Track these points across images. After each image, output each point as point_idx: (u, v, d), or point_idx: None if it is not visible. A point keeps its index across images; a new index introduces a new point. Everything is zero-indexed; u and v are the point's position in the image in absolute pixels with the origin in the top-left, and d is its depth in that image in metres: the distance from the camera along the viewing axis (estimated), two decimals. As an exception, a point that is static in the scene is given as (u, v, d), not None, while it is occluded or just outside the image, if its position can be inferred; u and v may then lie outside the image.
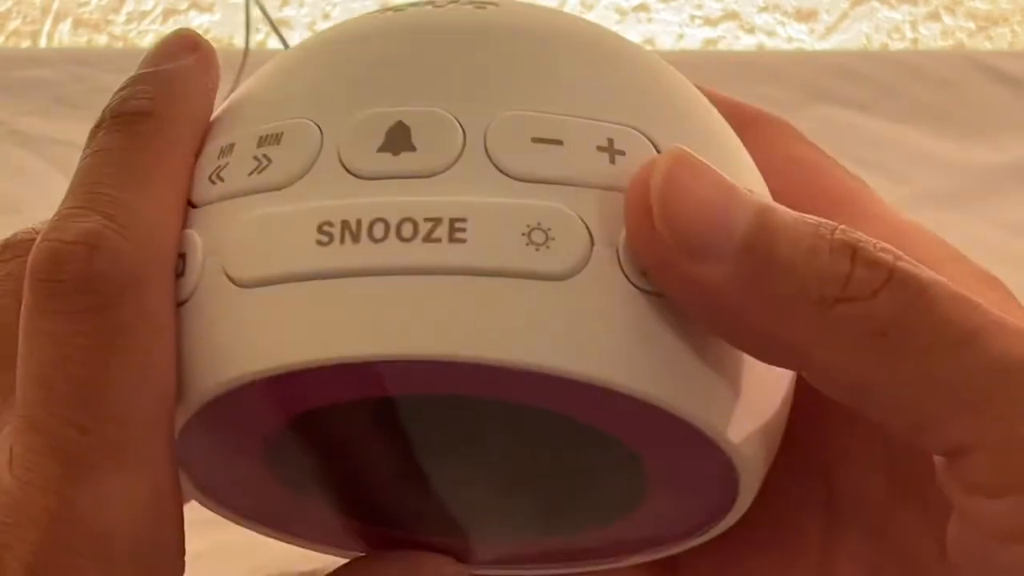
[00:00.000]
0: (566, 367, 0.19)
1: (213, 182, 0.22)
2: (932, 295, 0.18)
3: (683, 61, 0.26)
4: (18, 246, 0.23)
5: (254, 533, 0.31)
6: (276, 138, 0.22)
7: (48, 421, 0.20)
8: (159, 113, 0.21)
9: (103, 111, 0.22)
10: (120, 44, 0.73)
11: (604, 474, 0.23)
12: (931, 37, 0.76)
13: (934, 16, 0.77)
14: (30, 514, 0.19)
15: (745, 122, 0.25)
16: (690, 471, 0.22)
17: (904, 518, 0.23)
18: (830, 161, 0.25)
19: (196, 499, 0.24)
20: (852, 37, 0.76)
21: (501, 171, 0.20)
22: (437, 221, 0.20)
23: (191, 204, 0.22)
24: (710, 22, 0.77)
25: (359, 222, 0.20)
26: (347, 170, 0.21)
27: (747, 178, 0.22)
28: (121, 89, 0.22)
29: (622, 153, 0.20)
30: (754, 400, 0.21)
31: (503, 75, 0.21)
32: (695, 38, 0.76)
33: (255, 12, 0.74)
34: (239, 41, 0.73)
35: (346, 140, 0.21)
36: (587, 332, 0.19)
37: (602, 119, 0.21)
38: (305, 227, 0.20)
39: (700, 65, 0.70)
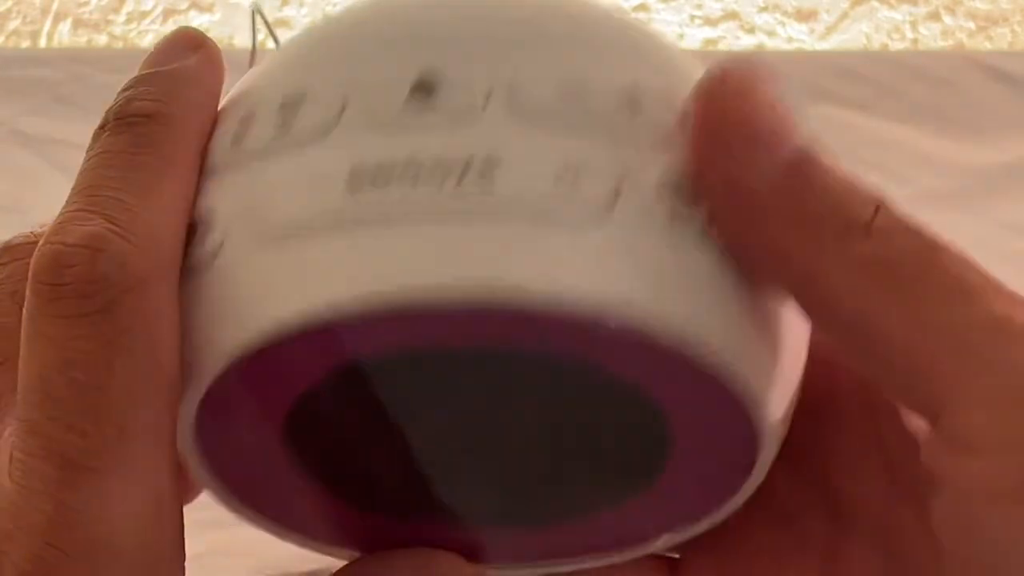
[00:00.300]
0: (602, 308, 0.19)
1: (234, 148, 0.22)
2: (944, 250, 0.19)
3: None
4: (17, 249, 0.23)
5: (254, 534, 0.31)
6: (299, 99, 0.21)
7: (48, 426, 0.19)
8: (163, 114, 0.21)
9: (106, 112, 0.22)
10: (120, 44, 0.73)
11: (628, 438, 0.23)
12: (931, 37, 0.76)
13: (934, 16, 0.77)
14: (27, 520, 0.19)
15: None
16: (714, 429, 0.22)
17: (902, 519, 0.23)
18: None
19: (210, 490, 0.23)
20: (852, 37, 0.76)
21: (528, 120, 0.20)
22: (468, 165, 0.20)
23: (210, 173, 0.22)
24: (710, 22, 0.77)
25: (390, 168, 0.20)
26: (374, 123, 0.21)
27: None
28: (124, 90, 0.22)
29: (643, 107, 0.21)
30: (780, 362, 0.21)
31: (526, 33, 0.22)
32: (695, 38, 0.76)
33: (257, 16, 0.74)
34: (239, 41, 0.73)
35: (371, 95, 0.21)
36: (621, 273, 0.19)
37: (624, 75, 0.21)
38: (335, 175, 0.20)
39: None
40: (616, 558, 0.25)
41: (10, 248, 0.23)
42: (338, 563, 0.29)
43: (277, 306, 0.20)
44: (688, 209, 0.20)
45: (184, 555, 0.21)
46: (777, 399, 0.21)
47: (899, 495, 0.23)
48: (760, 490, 0.25)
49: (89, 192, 0.21)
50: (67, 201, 0.21)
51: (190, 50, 0.22)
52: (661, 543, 0.25)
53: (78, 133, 0.65)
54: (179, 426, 0.21)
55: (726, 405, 0.21)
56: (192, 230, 0.21)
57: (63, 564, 0.19)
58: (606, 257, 0.20)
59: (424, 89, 0.21)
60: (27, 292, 0.20)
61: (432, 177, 0.20)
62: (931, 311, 0.19)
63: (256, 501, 0.24)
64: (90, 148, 0.22)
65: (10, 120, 0.58)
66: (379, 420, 0.22)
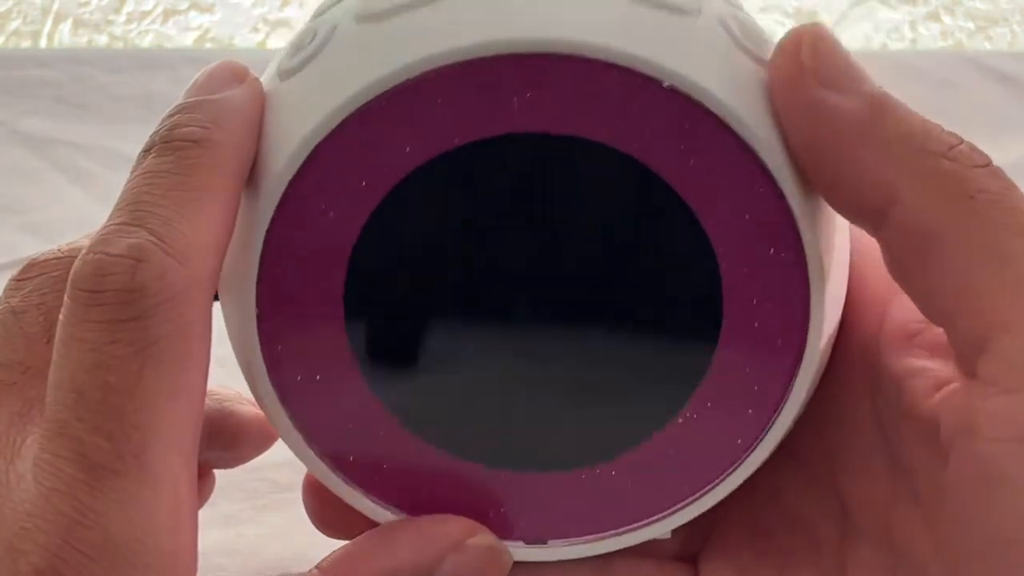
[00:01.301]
0: (686, 77, 0.20)
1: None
2: (1017, 190, 0.20)
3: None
4: (43, 264, 0.24)
5: (255, 534, 0.31)
6: None
7: (76, 426, 0.20)
8: (207, 140, 0.22)
9: (152, 136, 0.23)
10: (120, 44, 0.73)
11: (680, 304, 0.23)
12: (931, 37, 0.76)
13: (934, 16, 0.77)
14: (47, 519, 0.19)
15: None
16: (766, 300, 0.22)
17: (906, 519, 0.23)
18: None
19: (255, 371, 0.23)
20: (852, 37, 0.76)
21: None
22: None
23: (315, 15, 0.23)
24: (710, 22, 0.77)
25: None
26: None
27: None
28: (170, 116, 0.23)
29: None
30: (839, 262, 0.23)
31: None
32: (695, 38, 0.76)
33: (254, 11, 0.74)
34: (240, 41, 0.73)
35: None
36: (708, 57, 0.21)
37: None
38: None
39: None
40: (643, 533, 0.25)
41: (36, 264, 0.24)
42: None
43: (395, 55, 0.20)
44: (760, 39, 0.23)
45: (197, 559, 0.21)
46: (831, 300, 0.22)
47: (903, 495, 0.23)
48: (769, 492, 0.25)
49: (132, 208, 0.21)
50: (110, 216, 0.21)
51: (233, 81, 0.23)
52: (689, 509, 0.25)
53: (78, 133, 0.65)
54: (238, 284, 0.22)
55: (783, 249, 0.22)
56: (295, 43, 0.22)
57: (80, 564, 0.19)
58: (695, 41, 0.21)
59: None
60: (65, 299, 0.21)
61: None
62: (999, 239, 0.20)
63: (300, 395, 0.23)
64: (134, 168, 0.22)
65: (10, 120, 0.59)
66: (449, 247, 0.22)
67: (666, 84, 0.21)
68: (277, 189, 0.21)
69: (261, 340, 0.23)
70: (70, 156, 0.56)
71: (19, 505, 0.20)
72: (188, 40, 0.73)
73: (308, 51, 0.22)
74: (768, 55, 0.22)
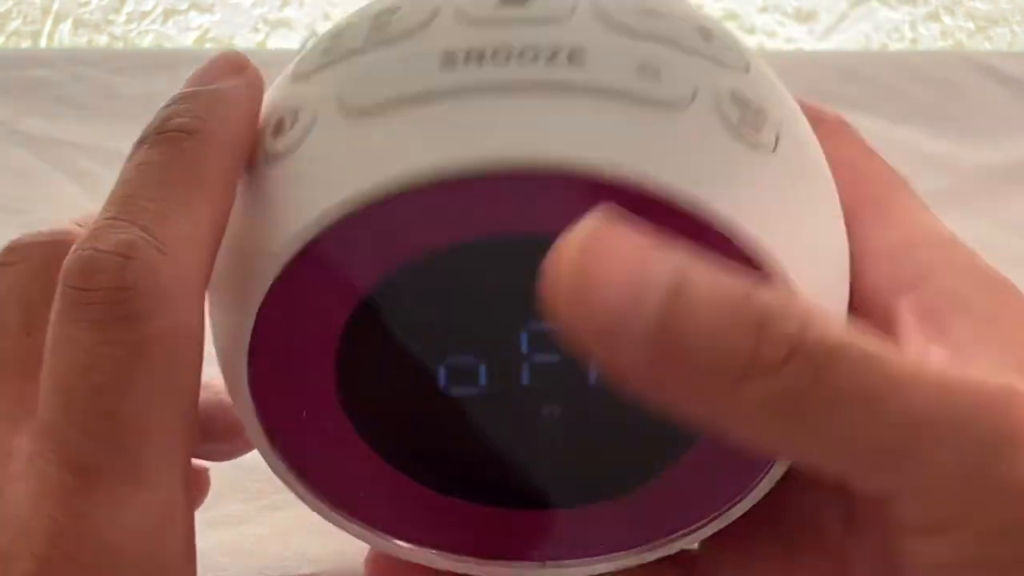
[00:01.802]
0: (671, 184, 0.20)
1: (323, 55, 0.22)
2: (839, 360, 0.17)
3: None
4: (24, 248, 0.24)
5: (256, 534, 0.31)
6: (392, 11, 0.22)
7: (65, 429, 0.19)
8: (203, 131, 0.21)
9: (147, 127, 0.22)
10: (120, 44, 0.73)
11: None
12: (931, 37, 0.76)
13: (934, 16, 0.77)
14: (38, 524, 0.19)
15: (811, 118, 0.26)
16: None
17: None
18: (871, 163, 0.26)
19: (257, 440, 0.23)
20: (852, 38, 0.76)
21: (612, 26, 0.22)
22: (557, 50, 0.21)
23: (298, 78, 0.23)
24: (710, 22, 0.77)
25: (483, 51, 0.21)
26: (466, 21, 0.22)
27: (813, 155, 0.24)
28: (166, 106, 0.22)
29: (716, 38, 0.23)
30: (833, 281, 0.22)
31: None
32: (695, 38, 0.76)
33: (254, 11, 0.74)
34: (240, 41, 0.73)
35: (464, 2, 0.22)
36: (698, 160, 0.20)
37: (696, 15, 0.23)
38: (429, 56, 0.21)
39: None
40: (648, 555, 0.25)
41: (16, 248, 0.23)
42: (339, 565, 0.29)
43: (374, 169, 0.20)
44: (756, 120, 0.22)
45: (195, 562, 0.21)
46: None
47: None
48: (776, 489, 0.25)
49: (125, 202, 0.21)
50: (102, 210, 0.21)
51: (232, 73, 0.23)
52: (698, 533, 0.25)
53: (78, 133, 0.65)
54: (231, 352, 0.21)
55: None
56: (277, 123, 0.22)
57: (70, 570, 0.19)
58: (682, 141, 0.20)
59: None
60: (56, 295, 0.20)
61: (523, 58, 0.21)
62: (845, 428, 0.18)
63: (298, 453, 0.24)
64: (128, 160, 0.22)
65: (10, 120, 0.58)
66: (433, 335, 0.22)
67: (630, 187, 0.20)
68: (268, 277, 0.21)
69: (255, 402, 0.22)
70: (70, 156, 0.56)
71: (12, 508, 0.19)
72: (188, 40, 0.73)
73: (291, 138, 0.21)
74: (769, 133, 0.21)
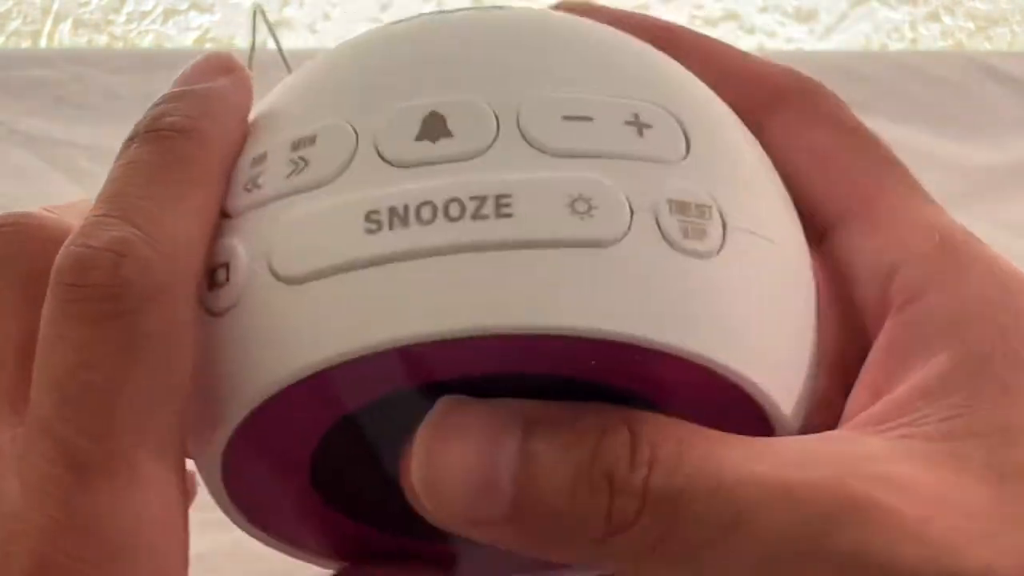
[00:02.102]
0: (621, 329, 0.19)
1: (249, 190, 0.22)
2: (689, 498, 0.18)
3: (684, 62, 0.26)
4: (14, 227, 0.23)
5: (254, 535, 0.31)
6: (310, 140, 0.22)
7: (61, 428, 0.19)
8: (192, 129, 0.21)
9: (136, 125, 0.22)
10: (120, 44, 0.73)
11: None
12: (931, 37, 0.76)
13: (934, 16, 0.77)
14: (35, 523, 0.19)
15: (771, 100, 0.24)
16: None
17: None
18: (853, 149, 0.24)
19: (236, 522, 0.24)
20: (852, 37, 0.76)
21: (537, 148, 0.21)
22: (483, 199, 0.20)
23: (227, 215, 0.22)
24: (710, 22, 0.77)
25: (406, 207, 0.20)
26: (386, 161, 0.21)
27: (754, 178, 0.22)
28: (155, 106, 0.22)
29: (649, 126, 0.21)
30: (795, 372, 0.22)
31: (526, 63, 0.22)
32: (695, 38, 0.76)
33: (258, 17, 0.74)
34: (240, 41, 0.73)
35: (382, 134, 0.21)
36: (638, 294, 0.20)
37: (625, 97, 0.21)
38: (352, 217, 0.20)
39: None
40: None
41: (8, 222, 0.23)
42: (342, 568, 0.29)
43: (300, 349, 0.20)
44: (700, 222, 0.21)
45: (188, 561, 0.21)
46: (796, 411, 0.22)
47: None
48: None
49: (116, 199, 0.21)
50: (93, 207, 0.21)
51: (221, 73, 0.23)
52: None
53: (78, 133, 0.65)
54: (204, 463, 0.22)
55: (746, 410, 0.21)
56: (211, 273, 0.21)
57: (70, 567, 0.19)
58: (623, 279, 0.20)
59: (434, 126, 0.21)
60: (48, 293, 0.20)
61: (447, 214, 0.20)
62: (709, 558, 0.19)
63: (269, 522, 0.24)
64: (118, 158, 0.22)
65: (10, 120, 0.58)
66: (393, 449, 0.22)
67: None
68: (223, 435, 0.21)
69: (227, 488, 0.23)
70: (70, 156, 0.56)
71: (6, 507, 0.19)
72: (188, 40, 0.73)
73: (226, 297, 0.21)
74: (714, 232, 0.21)
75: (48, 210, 0.24)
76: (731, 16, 0.77)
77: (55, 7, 0.74)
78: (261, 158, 0.22)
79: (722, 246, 0.21)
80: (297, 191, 0.21)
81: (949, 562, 0.18)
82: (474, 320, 0.19)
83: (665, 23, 0.26)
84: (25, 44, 0.72)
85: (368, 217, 0.20)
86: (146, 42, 0.73)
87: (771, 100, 0.24)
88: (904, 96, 0.64)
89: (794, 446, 0.20)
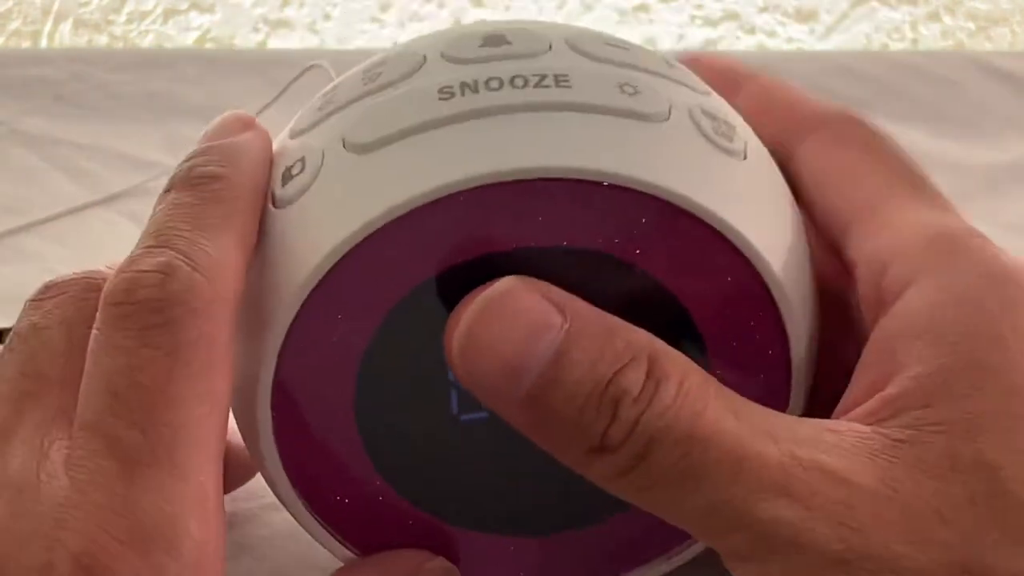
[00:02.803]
0: (665, 185, 0.21)
1: (320, 108, 0.24)
2: (659, 442, 0.21)
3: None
4: (61, 285, 0.26)
5: (259, 535, 0.31)
6: (381, 63, 0.24)
7: (111, 424, 0.21)
8: (225, 176, 0.24)
9: (171, 177, 0.24)
10: (120, 44, 0.73)
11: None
12: (931, 37, 0.76)
13: (934, 16, 0.77)
14: (83, 508, 0.21)
15: (812, 124, 0.26)
16: (745, 338, 0.23)
17: None
18: (874, 162, 0.26)
19: (274, 474, 0.24)
20: (852, 37, 0.76)
21: (587, 55, 0.23)
22: (544, 75, 0.22)
23: (296, 134, 0.24)
24: (710, 22, 0.77)
25: (475, 81, 0.22)
26: (455, 60, 0.23)
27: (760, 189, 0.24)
28: (187, 160, 0.25)
29: (676, 68, 0.25)
30: (799, 266, 0.24)
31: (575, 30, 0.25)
32: (695, 38, 0.76)
33: (254, 11, 0.74)
34: (240, 41, 0.73)
35: (448, 46, 0.23)
36: (681, 162, 0.22)
37: (657, 55, 0.25)
38: (425, 92, 0.22)
39: (700, 65, 0.69)
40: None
41: (53, 285, 0.26)
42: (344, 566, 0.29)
43: (377, 196, 0.21)
44: (727, 131, 0.23)
45: (224, 554, 0.22)
46: (807, 328, 0.23)
47: None
48: (826, 346, 0.26)
49: (159, 235, 0.23)
50: (137, 244, 0.23)
51: (243, 128, 0.25)
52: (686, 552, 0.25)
53: (79, 133, 0.65)
54: (254, 391, 0.23)
55: (756, 298, 0.23)
56: (285, 171, 0.23)
57: (115, 549, 0.20)
58: (668, 147, 0.22)
59: (495, 39, 0.23)
60: (98, 314, 0.22)
61: (513, 84, 0.22)
62: (674, 499, 0.21)
63: (307, 475, 0.25)
64: (156, 206, 0.24)
65: (10, 120, 0.58)
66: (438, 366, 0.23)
67: (605, 183, 0.22)
68: (291, 309, 0.22)
69: (274, 410, 0.23)
70: (70, 156, 0.56)
71: (52, 499, 0.21)
72: (189, 40, 0.73)
73: (301, 181, 0.23)
74: (739, 143, 0.23)
75: (111, 267, 0.26)
76: (731, 16, 0.77)
77: (55, 7, 0.74)
78: (330, 92, 0.24)
79: (746, 155, 0.23)
80: (368, 94, 0.23)
81: (860, 543, 0.20)
82: (537, 161, 0.21)
83: (728, 62, 0.29)
84: (25, 44, 0.72)
85: (441, 90, 0.22)
86: (146, 42, 0.73)
87: (812, 124, 0.27)
88: (904, 96, 0.64)
89: (770, 419, 0.21)
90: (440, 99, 0.22)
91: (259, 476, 0.32)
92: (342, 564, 0.28)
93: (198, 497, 0.21)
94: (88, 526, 0.20)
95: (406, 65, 0.24)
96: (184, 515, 0.21)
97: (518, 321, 0.21)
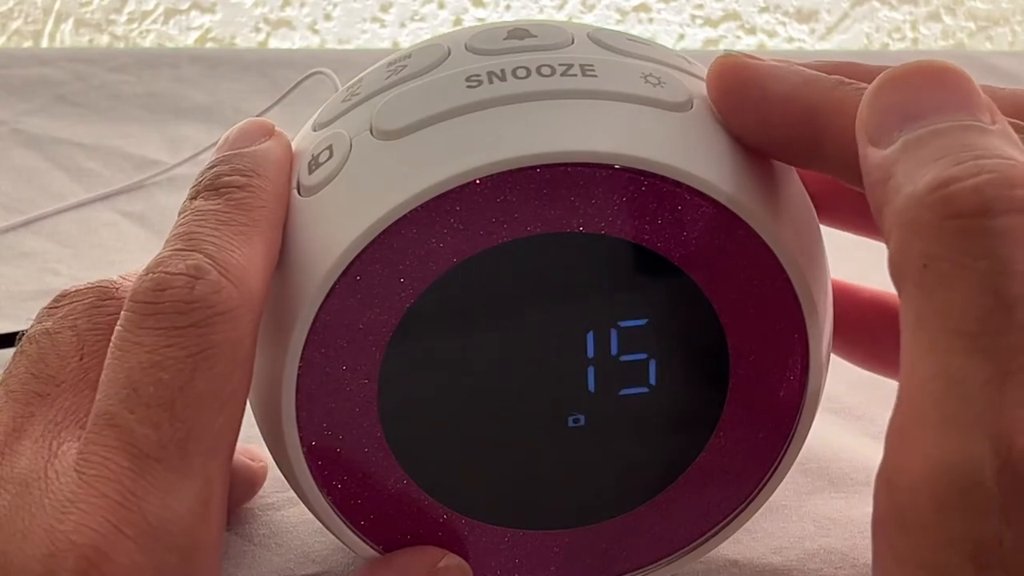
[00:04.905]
0: (690, 171, 0.22)
1: (344, 101, 0.24)
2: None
3: (684, 61, 0.26)
4: (74, 294, 0.26)
5: (256, 534, 0.31)
6: (406, 57, 0.24)
7: (127, 418, 0.21)
8: (248, 184, 0.24)
9: (195, 185, 0.25)
10: (121, 44, 0.73)
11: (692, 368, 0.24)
12: (931, 37, 0.76)
13: (934, 16, 0.77)
14: (90, 502, 0.21)
15: None
16: (764, 317, 0.23)
17: None
18: None
19: (292, 457, 0.24)
20: (852, 37, 0.76)
21: (609, 48, 0.24)
22: (570, 65, 0.23)
23: (320, 127, 0.24)
24: (711, 22, 0.77)
25: (503, 70, 0.23)
26: (480, 52, 0.23)
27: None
28: (211, 167, 0.25)
29: (693, 63, 0.25)
30: (827, 285, 0.24)
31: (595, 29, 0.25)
32: (696, 38, 0.76)
33: (255, 11, 0.74)
34: (241, 41, 0.73)
35: (473, 39, 0.24)
36: (705, 151, 0.22)
37: (675, 53, 0.25)
38: (453, 80, 0.23)
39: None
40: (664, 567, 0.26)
41: (67, 294, 0.26)
42: (343, 562, 0.29)
43: (405, 180, 0.21)
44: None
45: (221, 553, 0.23)
46: (825, 315, 0.24)
47: None
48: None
49: (186, 237, 0.23)
50: (164, 246, 0.23)
51: (264, 135, 0.25)
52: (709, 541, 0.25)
53: (80, 133, 0.65)
54: (277, 378, 0.23)
55: (774, 284, 0.23)
56: (313, 158, 0.23)
57: (119, 542, 0.21)
58: (690, 135, 0.22)
59: (520, 33, 0.24)
60: (122, 314, 0.23)
61: (540, 73, 0.22)
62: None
63: (327, 456, 0.24)
64: (181, 212, 0.24)
65: (11, 120, 0.59)
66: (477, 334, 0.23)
67: (616, 168, 0.22)
68: (321, 291, 0.22)
69: (298, 398, 0.23)
70: (72, 155, 0.56)
71: (59, 495, 0.21)
72: (189, 40, 0.73)
73: (329, 168, 0.23)
74: None
75: (124, 277, 0.26)
76: (731, 16, 0.77)
77: (56, 7, 0.74)
78: (354, 84, 0.24)
79: None
80: (394, 85, 0.23)
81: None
82: (567, 145, 0.21)
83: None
84: (27, 44, 0.72)
85: (469, 78, 0.22)
86: (148, 42, 0.73)
87: None
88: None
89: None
90: (468, 87, 0.22)
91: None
92: (342, 562, 0.28)
93: (203, 498, 0.22)
94: (93, 518, 0.21)
95: (431, 57, 0.24)
96: (188, 514, 0.21)
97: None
